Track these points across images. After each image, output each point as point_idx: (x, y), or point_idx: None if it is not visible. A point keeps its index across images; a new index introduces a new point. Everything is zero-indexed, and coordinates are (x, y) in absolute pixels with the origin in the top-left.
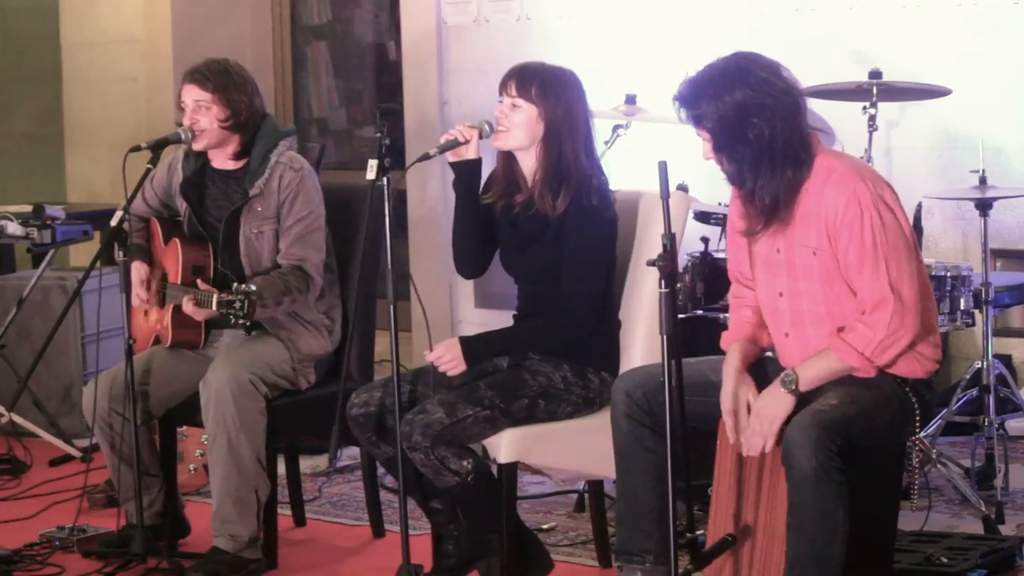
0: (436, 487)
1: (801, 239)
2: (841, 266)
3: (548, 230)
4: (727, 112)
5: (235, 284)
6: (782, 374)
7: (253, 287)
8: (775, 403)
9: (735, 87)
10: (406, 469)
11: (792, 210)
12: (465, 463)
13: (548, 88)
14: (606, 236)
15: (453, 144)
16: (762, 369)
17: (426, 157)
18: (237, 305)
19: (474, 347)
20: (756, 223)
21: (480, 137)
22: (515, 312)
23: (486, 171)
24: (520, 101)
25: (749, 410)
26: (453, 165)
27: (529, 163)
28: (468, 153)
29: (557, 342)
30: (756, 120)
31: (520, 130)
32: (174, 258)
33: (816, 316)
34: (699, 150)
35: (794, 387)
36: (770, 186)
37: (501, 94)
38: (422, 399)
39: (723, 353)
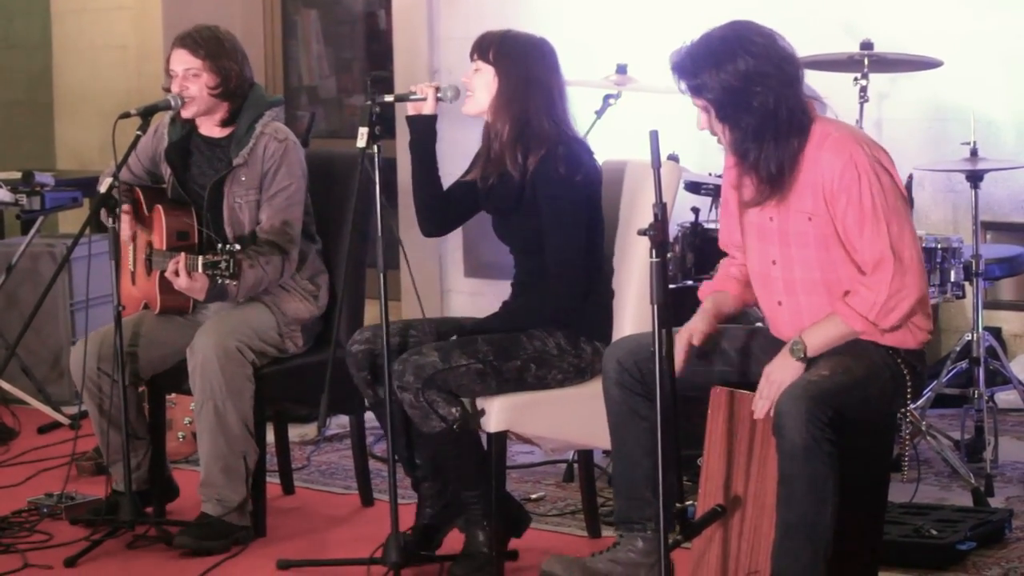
0: (420, 442)
1: (796, 205)
2: (840, 230)
3: (523, 199)
4: (730, 81)
5: (219, 244)
6: (790, 342)
7: (238, 246)
8: (784, 370)
9: (736, 55)
10: (393, 421)
11: (794, 178)
12: (453, 410)
13: (505, 51)
14: (578, 203)
15: (409, 96)
16: (753, 339)
17: (382, 104)
18: (223, 265)
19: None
20: (760, 193)
21: (438, 97)
22: (512, 281)
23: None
24: (480, 64)
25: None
26: (408, 119)
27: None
28: (424, 109)
29: (548, 314)
30: (759, 88)
31: (481, 92)
32: (158, 224)
33: (810, 283)
34: (690, 120)
35: (803, 355)
36: (775, 155)
37: (470, 62)
38: (415, 346)
39: None
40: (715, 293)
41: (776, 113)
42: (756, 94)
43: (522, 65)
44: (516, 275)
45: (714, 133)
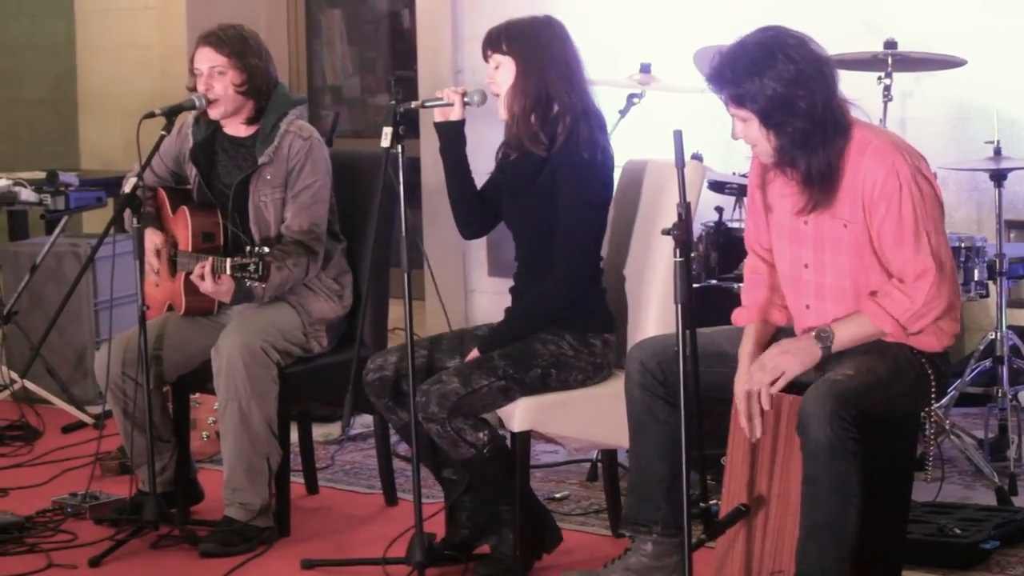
0: (449, 456)
1: (834, 211)
2: (875, 239)
3: (540, 177)
4: (774, 87)
5: (248, 247)
6: (818, 328)
7: (267, 248)
8: (800, 352)
9: (777, 61)
10: (421, 437)
11: (838, 182)
12: (481, 435)
13: (515, 35)
14: (599, 188)
15: (437, 102)
16: (776, 339)
17: (409, 108)
18: (251, 268)
19: (491, 348)
20: (810, 199)
21: (465, 102)
22: (511, 286)
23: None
24: (498, 58)
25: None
26: (436, 126)
27: None
28: (452, 115)
29: (552, 309)
30: (803, 92)
31: (509, 86)
32: (183, 226)
33: (839, 291)
34: (714, 119)
35: (829, 343)
36: (823, 155)
37: (486, 63)
38: (438, 365)
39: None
40: (753, 325)
41: (823, 116)
42: (800, 98)
43: (536, 44)
44: (516, 273)
45: (749, 142)
